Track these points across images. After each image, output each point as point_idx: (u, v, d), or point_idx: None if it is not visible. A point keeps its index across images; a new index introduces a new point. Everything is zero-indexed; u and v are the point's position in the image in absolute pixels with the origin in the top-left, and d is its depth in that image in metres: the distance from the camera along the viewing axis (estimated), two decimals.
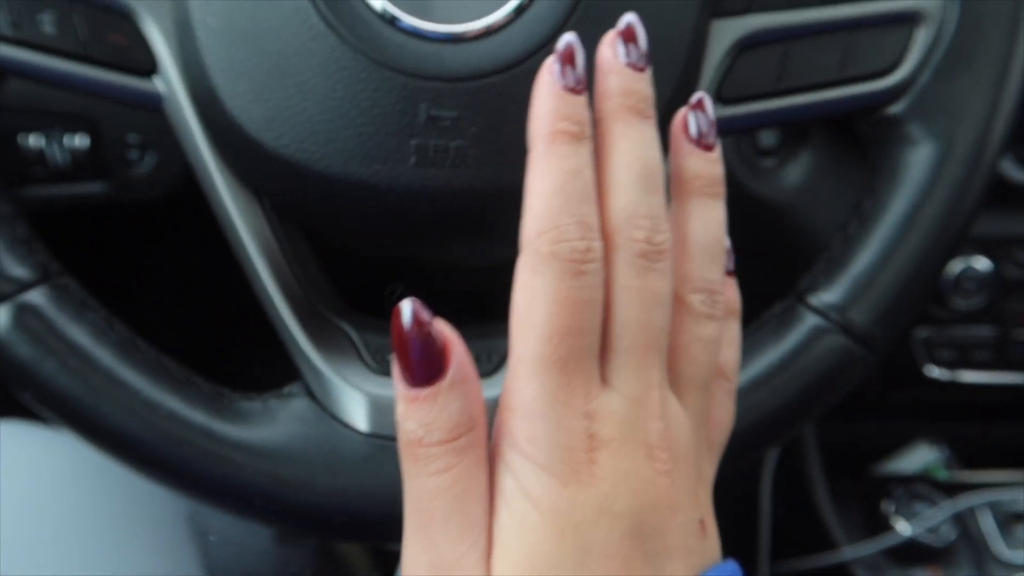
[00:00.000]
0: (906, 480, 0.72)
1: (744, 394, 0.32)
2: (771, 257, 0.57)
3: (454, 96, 0.29)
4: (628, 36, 0.26)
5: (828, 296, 0.33)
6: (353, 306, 0.31)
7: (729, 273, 0.29)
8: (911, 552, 0.67)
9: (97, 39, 0.30)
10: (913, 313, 0.33)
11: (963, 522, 0.68)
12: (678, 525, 0.24)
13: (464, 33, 0.29)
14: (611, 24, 0.29)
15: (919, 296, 0.33)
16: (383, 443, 0.31)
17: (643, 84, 0.26)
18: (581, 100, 0.25)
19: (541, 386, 0.24)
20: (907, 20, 0.32)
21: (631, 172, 0.25)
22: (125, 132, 0.50)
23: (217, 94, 0.30)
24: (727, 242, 0.27)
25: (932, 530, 0.67)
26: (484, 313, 0.33)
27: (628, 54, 0.25)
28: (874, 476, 0.75)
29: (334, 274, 0.32)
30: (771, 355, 0.33)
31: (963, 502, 0.68)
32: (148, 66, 0.31)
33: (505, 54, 0.29)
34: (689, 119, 0.27)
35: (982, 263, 0.59)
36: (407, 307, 0.24)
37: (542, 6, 0.29)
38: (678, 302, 0.26)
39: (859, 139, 0.35)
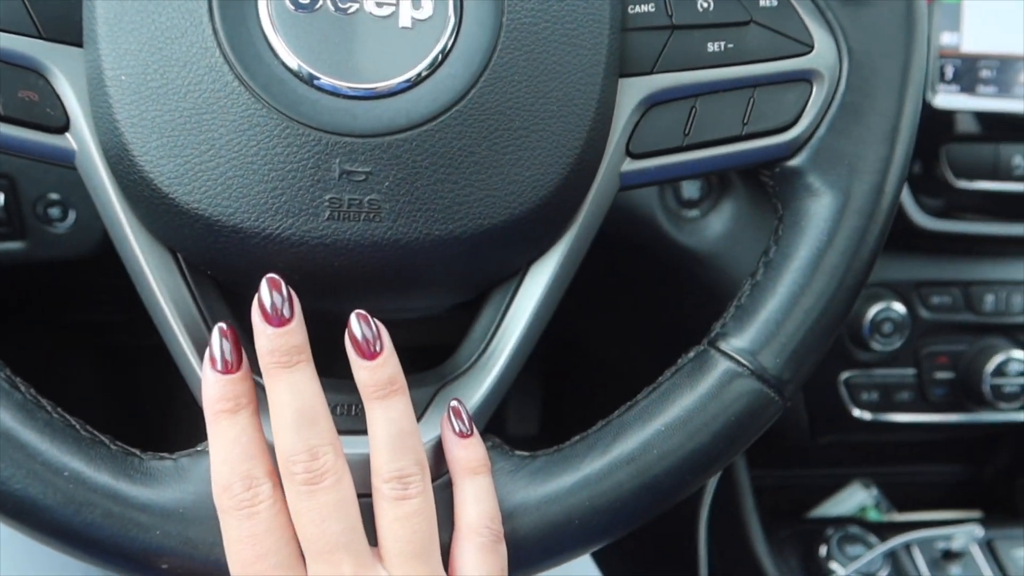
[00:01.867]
0: (840, 523, 0.73)
1: (662, 439, 0.33)
2: (694, 304, 0.58)
3: (367, 151, 0.29)
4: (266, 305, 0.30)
5: (738, 342, 0.34)
6: None
7: (465, 435, 0.32)
8: None
9: (8, 96, 0.30)
10: (820, 356, 0.34)
11: (896, 562, 0.69)
12: None
13: (377, 90, 0.29)
14: (521, 81, 0.30)
15: (825, 340, 0.34)
16: None
17: (285, 339, 0.30)
18: (235, 377, 0.30)
19: None
20: (804, 79, 0.34)
21: (285, 416, 0.30)
22: (45, 190, 0.49)
23: (129, 150, 0.29)
24: (414, 427, 0.31)
25: (866, 572, 0.68)
26: (412, 363, 0.33)
27: (273, 304, 0.29)
28: (809, 520, 0.76)
29: (249, 329, 0.31)
30: (686, 400, 0.33)
31: (895, 542, 0.69)
32: (60, 122, 0.31)
33: (418, 110, 0.29)
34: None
35: (898, 306, 0.61)
36: None
37: (455, 65, 0.30)
38: (375, 492, 0.31)
39: (764, 190, 0.37)
